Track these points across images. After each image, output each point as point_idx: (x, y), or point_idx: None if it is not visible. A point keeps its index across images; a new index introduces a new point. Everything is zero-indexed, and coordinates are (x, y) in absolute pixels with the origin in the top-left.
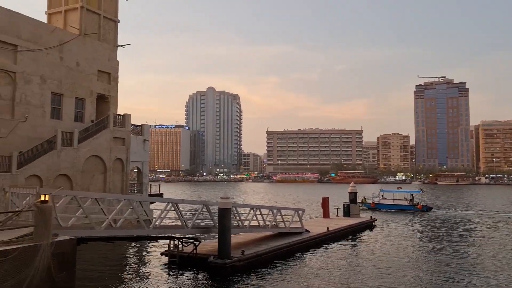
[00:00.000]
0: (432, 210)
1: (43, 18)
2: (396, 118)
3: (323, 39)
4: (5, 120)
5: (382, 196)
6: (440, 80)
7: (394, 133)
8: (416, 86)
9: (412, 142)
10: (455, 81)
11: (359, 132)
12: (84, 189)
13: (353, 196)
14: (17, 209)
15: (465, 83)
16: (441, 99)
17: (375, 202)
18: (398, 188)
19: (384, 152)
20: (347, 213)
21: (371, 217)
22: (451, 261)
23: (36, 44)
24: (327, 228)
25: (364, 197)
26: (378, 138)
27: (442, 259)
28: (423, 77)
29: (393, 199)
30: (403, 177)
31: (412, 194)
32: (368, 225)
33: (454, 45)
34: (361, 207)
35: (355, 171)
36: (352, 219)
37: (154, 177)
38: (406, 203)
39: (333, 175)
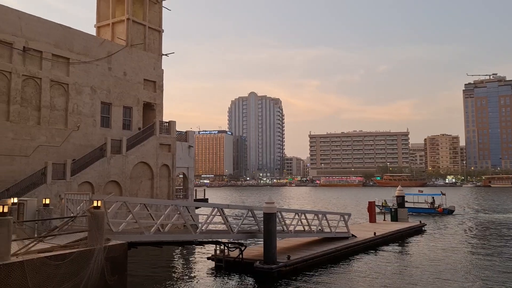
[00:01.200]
0: (454, 213)
1: (93, 31)
2: (444, 119)
3: (365, 39)
4: (59, 130)
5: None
6: (491, 77)
7: (443, 134)
8: (465, 84)
9: (462, 143)
10: (507, 78)
11: (405, 134)
12: (132, 195)
13: (400, 200)
14: (72, 215)
15: None
16: (492, 98)
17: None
18: (419, 191)
19: (432, 154)
20: (394, 217)
21: (420, 221)
22: (507, 272)
23: (87, 56)
24: (374, 233)
25: (385, 200)
26: (425, 139)
27: (498, 270)
28: (472, 75)
29: (414, 202)
30: (453, 180)
31: (433, 197)
32: (418, 230)
33: (504, 40)
34: (382, 211)
35: (402, 174)
36: (400, 223)
37: (199, 182)
38: (426, 206)
39: (378, 178)
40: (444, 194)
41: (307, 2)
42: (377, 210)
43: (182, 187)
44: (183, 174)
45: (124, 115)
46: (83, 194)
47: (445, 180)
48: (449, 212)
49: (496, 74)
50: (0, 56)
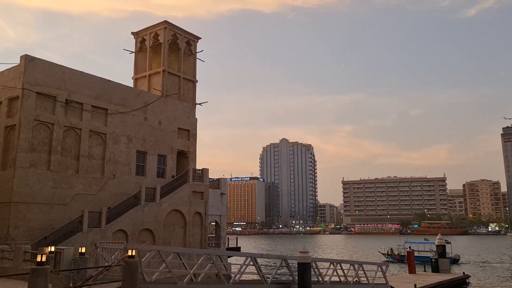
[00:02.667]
0: (459, 261)
1: (130, 83)
2: (482, 164)
3: (396, 84)
4: (96, 178)
5: (410, 247)
6: None
7: (482, 180)
8: (503, 128)
9: (503, 189)
10: None
11: (442, 179)
12: (165, 243)
13: (441, 249)
14: (106, 264)
15: None
16: None
17: (401, 253)
18: (424, 239)
19: (472, 201)
20: (435, 268)
21: (463, 273)
22: None
23: (124, 107)
24: (415, 285)
25: (391, 249)
26: (464, 185)
27: None
28: (510, 119)
29: (418, 251)
30: (497, 228)
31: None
32: (461, 282)
33: None
34: (387, 259)
35: (441, 221)
36: (442, 275)
37: (231, 230)
38: (431, 254)
39: (416, 226)
40: (448, 243)
41: (337, 49)
42: (384, 258)
43: (214, 235)
44: (216, 222)
45: (158, 163)
46: (118, 242)
47: (488, 228)
48: (454, 261)
49: None
50: (44, 109)
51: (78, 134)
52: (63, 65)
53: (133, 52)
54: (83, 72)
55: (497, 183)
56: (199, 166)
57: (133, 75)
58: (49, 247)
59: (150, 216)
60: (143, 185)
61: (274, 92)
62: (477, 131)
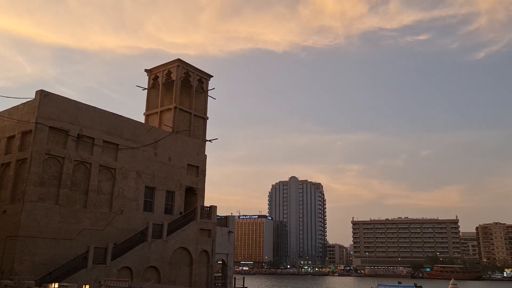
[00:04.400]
0: None
1: (142, 119)
2: (495, 206)
3: (406, 124)
4: (104, 213)
5: None
6: None
7: (496, 223)
8: None
9: None
10: None
11: (455, 222)
12: (171, 282)
13: None
14: None
15: None
16: None
17: None
18: (398, 283)
19: (486, 244)
20: None
21: None
22: None
23: (135, 143)
24: None
25: None
26: (477, 228)
27: None
28: None
29: None
30: None
31: None
32: None
33: None
34: None
35: (454, 265)
36: None
37: (239, 269)
38: None
39: (428, 269)
40: (419, 287)
41: (347, 88)
42: None
43: (221, 274)
44: (222, 260)
45: (166, 199)
46: (123, 280)
47: (503, 273)
48: None
49: None
50: (56, 143)
51: (88, 168)
52: (77, 100)
53: (145, 88)
54: (95, 107)
55: None
56: (207, 203)
57: (144, 111)
58: (53, 283)
59: (156, 253)
60: (151, 222)
61: (284, 130)
62: (489, 173)
